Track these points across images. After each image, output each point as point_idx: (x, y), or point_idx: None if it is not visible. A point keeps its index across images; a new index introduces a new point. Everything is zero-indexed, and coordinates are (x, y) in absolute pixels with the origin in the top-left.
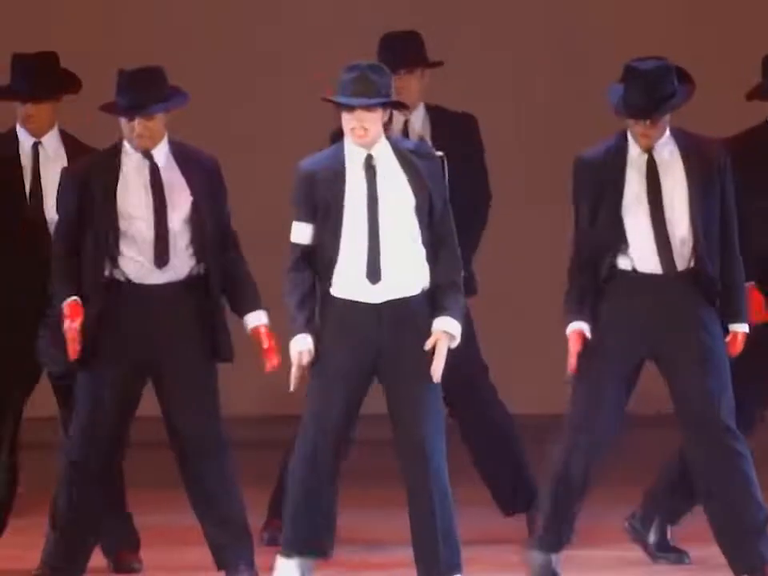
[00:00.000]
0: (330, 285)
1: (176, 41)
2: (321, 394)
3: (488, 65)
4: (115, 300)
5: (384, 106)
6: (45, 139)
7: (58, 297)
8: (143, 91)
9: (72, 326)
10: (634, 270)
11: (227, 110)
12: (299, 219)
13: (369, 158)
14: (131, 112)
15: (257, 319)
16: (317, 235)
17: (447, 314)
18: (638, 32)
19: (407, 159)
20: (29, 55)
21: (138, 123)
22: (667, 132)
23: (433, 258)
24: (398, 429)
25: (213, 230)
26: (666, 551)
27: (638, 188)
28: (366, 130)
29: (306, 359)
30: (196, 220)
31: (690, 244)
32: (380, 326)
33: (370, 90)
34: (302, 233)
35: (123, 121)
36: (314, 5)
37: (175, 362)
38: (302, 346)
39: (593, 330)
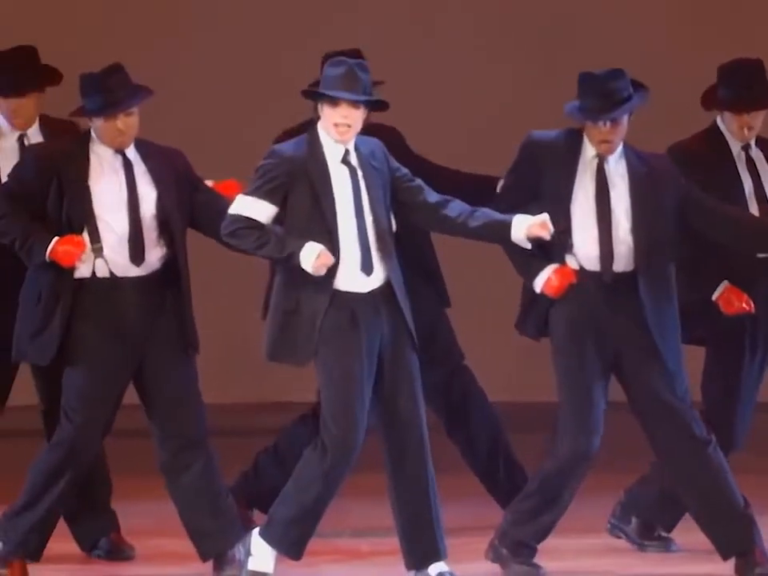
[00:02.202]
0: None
1: (177, 42)
2: (342, 394)
3: (486, 80)
4: (93, 296)
5: (369, 104)
6: (30, 132)
7: (39, 245)
8: (118, 89)
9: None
10: (582, 269)
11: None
12: (265, 199)
13: (347, 153)
14: (114, 108)
15: None
16: (292, 222)
17: (511, 218)
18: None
19: (361, 153)
20: (8, 51)
21: (120, 120)
22: (620, 146)
23: (441, 213)
24: (394, 413)
25: (180, 221)
26: (652, 539)
27: (588, 190)
28: (349, 126)
29: (329, 256)
30: (162, 214)
31: (630, 250)
32: (378, 315)
33: (357, 86)
34: (263, 212)
35: (99, 121)
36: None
37: (157, 356)
38: (317, 248)
39: (558, 339)
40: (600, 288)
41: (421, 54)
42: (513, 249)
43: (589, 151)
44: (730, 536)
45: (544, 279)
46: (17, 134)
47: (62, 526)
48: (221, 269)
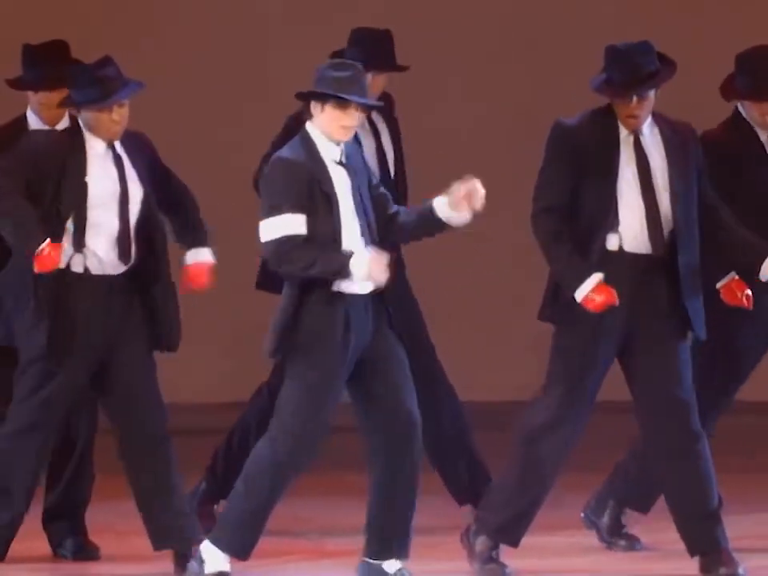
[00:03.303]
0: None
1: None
2: (318, 399)
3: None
4: (72, 290)
5: (372, 108)
6: (59, 127)
7: (32, 240)
8: (112, 81)
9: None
10: (621, 249)
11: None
12: (294, 211)
13: (341, 153)
14: (111, 99)
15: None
16: (311, 227)
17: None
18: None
19: (348, 152)
20: (39, 45)
21: (115, 111)
22: (649, 116)
23: (394, 223)
24: (388, 411)
25: (160, 219)
26: (619, 537)
27: (630, 167)
28: (353, 128)
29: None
30: (147, 212)
31: (670, 227)
32: (366, 313)
33: (363, 90)
34: (299, 224)
35: (92, 113)
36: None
37: (123, 352)
38: (367, 258)
39: (571, 329)
40: (635, 272)
41: (421, 54)
42: (553, 256)
43: (623, 128)
44: (699, 533)
45: (585, 294)
46: (46, 129)
47: (25, 526)
48: (224, 271)
